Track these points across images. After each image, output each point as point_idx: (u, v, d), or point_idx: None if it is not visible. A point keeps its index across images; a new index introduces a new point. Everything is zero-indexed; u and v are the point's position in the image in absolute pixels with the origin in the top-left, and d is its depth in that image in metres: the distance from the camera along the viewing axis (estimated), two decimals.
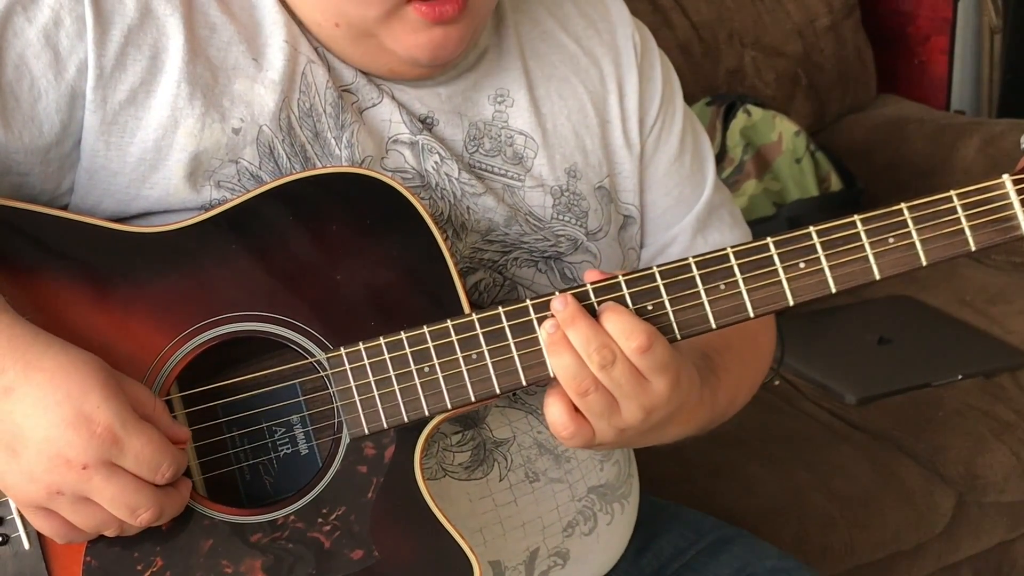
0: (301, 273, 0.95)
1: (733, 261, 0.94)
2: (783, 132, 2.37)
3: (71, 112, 0.97)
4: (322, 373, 0.94)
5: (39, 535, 0.91)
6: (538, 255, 1.09)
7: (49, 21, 0.96)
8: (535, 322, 0.93)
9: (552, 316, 0.92)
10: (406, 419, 0.93)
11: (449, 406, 0.93)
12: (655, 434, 0.99)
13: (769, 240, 0.94)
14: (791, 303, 0.94)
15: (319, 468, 0.95)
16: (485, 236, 1.07)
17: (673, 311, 0.94)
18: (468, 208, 1.06)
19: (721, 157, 2.35)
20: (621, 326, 0.92)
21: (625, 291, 0.93)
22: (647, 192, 1.17)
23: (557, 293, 0.93)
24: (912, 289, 2.21)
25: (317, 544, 0.93)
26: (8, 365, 0.84)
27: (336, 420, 0.94)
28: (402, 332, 0.93)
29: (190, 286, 0.94)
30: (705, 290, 0.94)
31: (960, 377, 1.94)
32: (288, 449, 0.97)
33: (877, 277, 0.94)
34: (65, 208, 0.99)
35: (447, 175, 1.06)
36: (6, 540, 0.91)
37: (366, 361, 0.93)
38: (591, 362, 0.91)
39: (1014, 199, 0.94)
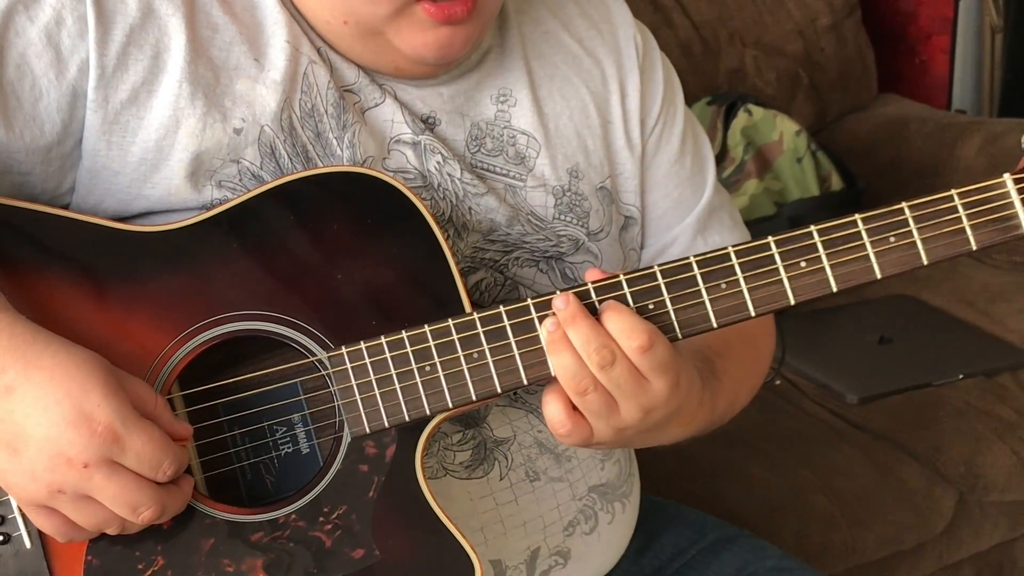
0: (302, 272, 0.95)
1: (734, 260, 0.94)
2: (784, 132, 2.37)
3: (72, 112, 0.97)
4: (323, 372, 0.94)
5: (40, 534, 0.91)
6: (539, 255, 1.09)
7: (51, 20, 0.96)
8: (536, 321, 0.93)
9: (553, 314, 0.92)
10: (407, 418, 0.93)
11: (450, 405, 0.93)
12: (654, 434, 0.99)
13: (770, 239, 0.94)
14: (792, 302, 0.94)
15: (320, 467, 0.95)
16: (487, 236, 1.07)
17: (674, 310, 0.94)
18: (470, 208, 1.06)
19: (722, 157, 2.35)
20: (622, 325, 0.92)
21: (626, 290, 0.93)
22: (648, 193, 1.17)
23: (559, 292, 0.93)
24: (913, 288, 2.21)
25: (318, 543, 0.93)
26: (8, 364, 0.84)
27: (337, 419, 0.94)
28: (403, 331, 0.93)
29: (191, 285, 0.94)
30: (706, 289, 0.94)
31: (961, 376, 1.94)
32: (289, 448, 0.97)
33: (878, 276, 0.94)
34: (66, 208, 0.99)
35: (449, 175, 1.06)
36: (7, 539, 0.91)
37: (367, 360, 0.93)
38: (590, 362, 0.91)
39: (1015, 198, 0.94)
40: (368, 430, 0.93)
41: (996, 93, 2.85)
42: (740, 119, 2.36)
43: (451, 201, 1.06)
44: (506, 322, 0.93)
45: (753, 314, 0.94)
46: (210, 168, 0.99)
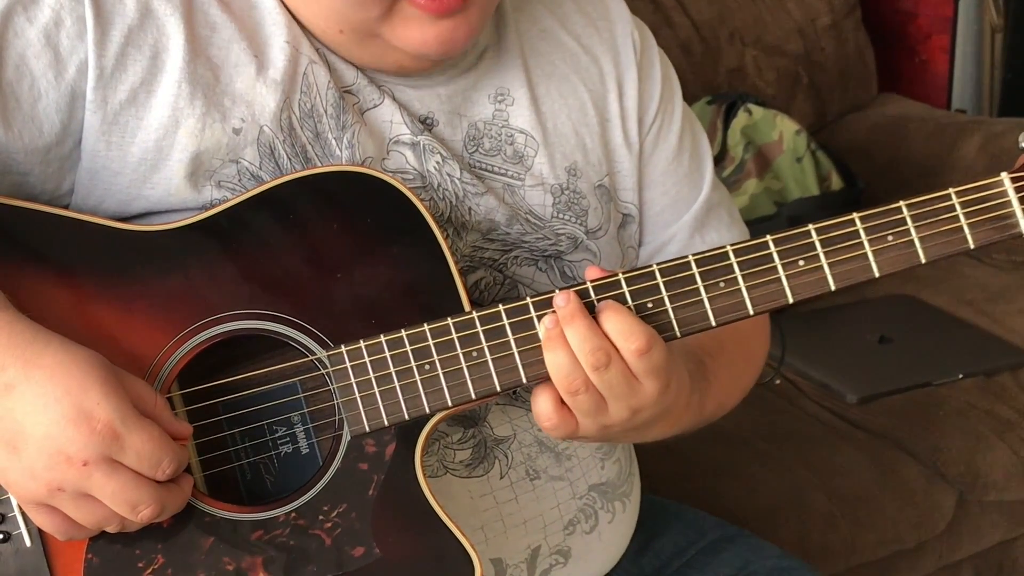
0: (301, 271, 0.95)
1: (733, 259, 0.94)
2: (784, 131, 2.37)
3: (71, 112, 0.97)
4: (323, 371, 0.94)
5: (40, 532, 0.91)
6: (538, 254, 1.09)
7: (50, 21, 0.96)
8: (535, 320, 0.93)
9: (553, 311, 0.92)
10: (407, 416, 0.93)
11: (450, 403, 0.93)
12: (638, 432, 0.99)
13: (768, 238, 0.94)
14: (790, 301, 0.94)
15: (320, 466, 0.95)
16: (486, 235, 1.07)
17: (673, 309, 0.94)
18: (469, 208, 1.06)
19: (722, 156, 2.35)
20: (621, 327, 0.92)
21: (625, 289, 0.94)
22: (645, 190, 1.17)
23: (558, 291, 0.93)
24: (913, 288, 2.21)
25: (318, 541, 0.93)
26: (8, 362, 0.84)
27: (336, 418, 0.94)
28: (403, 330, 0.93)
29: (190, 284, 0.94)
30: (705, 288, 0.94)
31: (961, 376, 1.94)
32: (289, 447, 0.97)
33: (876, 274, 0.94)
34: (66, 208, 0.99)
35: (448, 175, 1.06)
36: (7, 537, 0.91)
37: (367, 359, 0.93)
38: (585, 363, 0.91)
39: (1012, 197, 0.94)
40: (368, 429, 0.93)
41: (996, 93, 2.85)
42: (740, 119, 2.36)
43: (450, 201, 1.06)
44: (505, 321, 0.93)
45: (752, 313, 0.94)
46: (209, 168, 0.99)
